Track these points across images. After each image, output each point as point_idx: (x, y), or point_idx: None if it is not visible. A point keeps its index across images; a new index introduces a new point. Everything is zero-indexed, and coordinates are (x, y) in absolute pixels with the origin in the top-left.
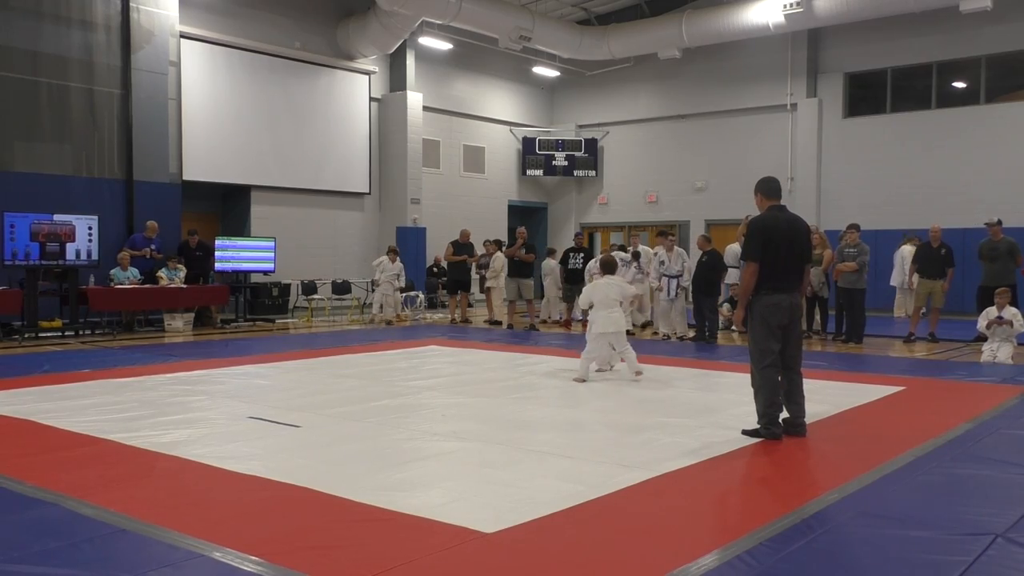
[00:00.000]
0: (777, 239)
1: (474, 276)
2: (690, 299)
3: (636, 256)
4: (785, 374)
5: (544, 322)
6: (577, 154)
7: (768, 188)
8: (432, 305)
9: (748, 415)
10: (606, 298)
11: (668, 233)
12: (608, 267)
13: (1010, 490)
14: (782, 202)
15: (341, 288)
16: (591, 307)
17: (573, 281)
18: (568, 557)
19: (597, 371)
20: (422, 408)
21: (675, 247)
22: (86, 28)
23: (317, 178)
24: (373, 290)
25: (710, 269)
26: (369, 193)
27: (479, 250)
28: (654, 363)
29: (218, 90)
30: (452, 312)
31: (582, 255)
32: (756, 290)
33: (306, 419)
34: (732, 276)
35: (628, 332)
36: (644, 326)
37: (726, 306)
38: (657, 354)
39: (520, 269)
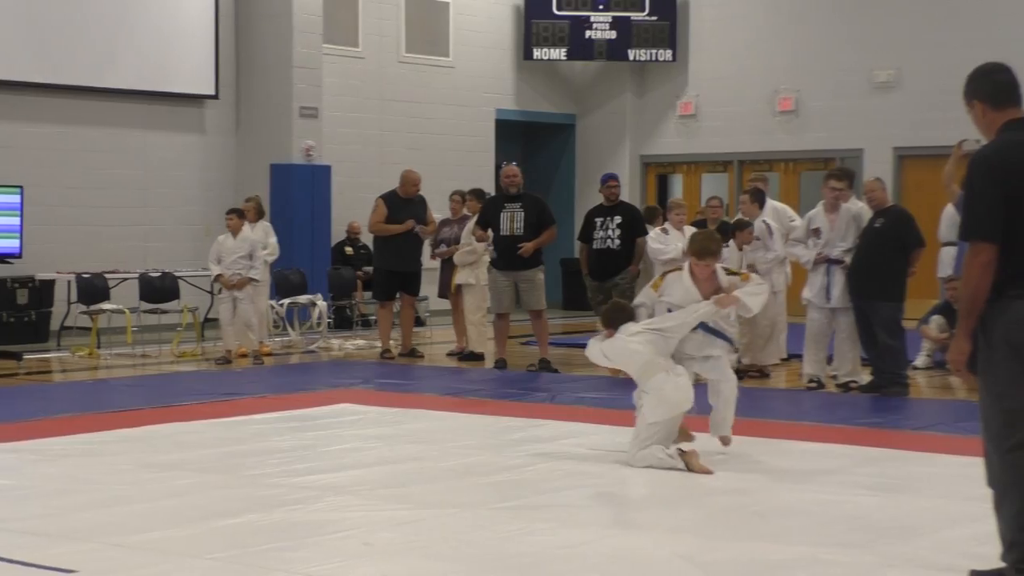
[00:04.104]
0: None
1: (429, 264)
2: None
3: (729, 229)
4: None
5: (461, 355)
6: (637, 17)
7: (995, 88)
8: (343, 322)
9: (982, 541)
10: (664, 351)
11: (847, 173)
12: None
13: None
14: None
15: (159, 290)
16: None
17: (605, 275)
18: None
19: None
20: (324, 531)
21: (844, 201)
22: None
23: (108, 68)
24: (218, 292)
25: (890, 247)
26: (216, 97)
27: (438, 211)
28: (785, 436)
29: None
30: (384, 335)
31: (618, 221)
32: (995, 293)
33: (89, 556)
34: (945, 261)
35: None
36: (759, 369)
37: (933, 323)
38: (795, 418)
39: (512, 252)
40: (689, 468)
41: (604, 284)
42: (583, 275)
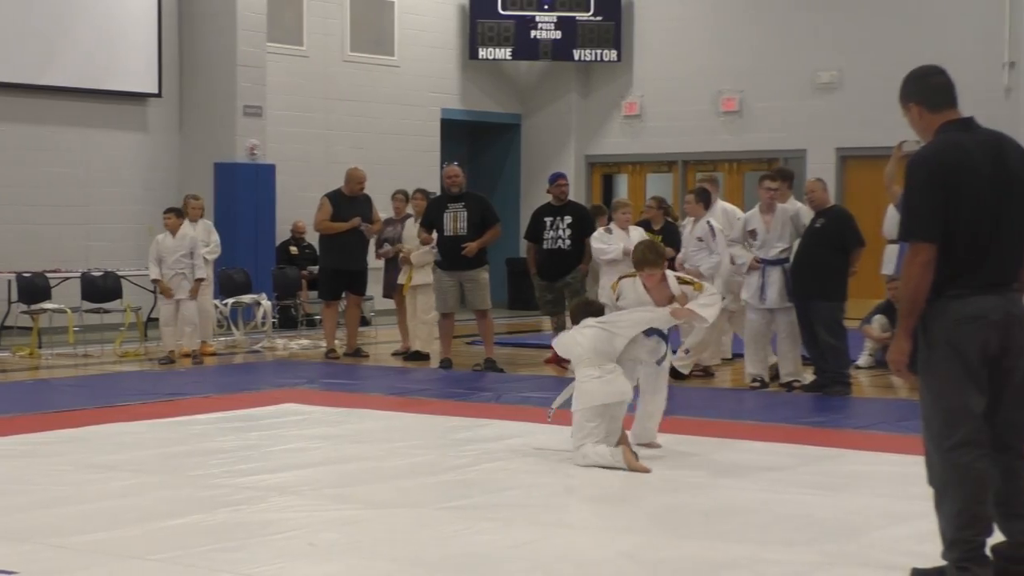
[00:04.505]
0: (968, 188)
1: (374, 264)
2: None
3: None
4: (997, 459)
5: (406, 355)
6: (582, 18)
7: (931, 90)
8: (288, 322)
9: (924, 539)
10: (602, 347)
11: (783, 173)
12: (587, 310)
13: None
14: (966, 113)
15: (102, 290)
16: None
17: (554, 275)
18: None
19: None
20: (268, 531)
21: (781, 202)
22: None
23: (50, 65)
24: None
25: (831, 246)
26: (159, 95)
27: (383, 210)
28: (729, 435)
29: None
30: (330, 335)
31: (568, 221)
32: (935, 293)
33: (30, 557)
34: (889, 258)
35: (678, 375)
36: (700, 369)
37: (875, 322)
38: (738, 417)
39: (456, 252)
40: (628, 467)
41: (554, 284)
42: (531, 275)
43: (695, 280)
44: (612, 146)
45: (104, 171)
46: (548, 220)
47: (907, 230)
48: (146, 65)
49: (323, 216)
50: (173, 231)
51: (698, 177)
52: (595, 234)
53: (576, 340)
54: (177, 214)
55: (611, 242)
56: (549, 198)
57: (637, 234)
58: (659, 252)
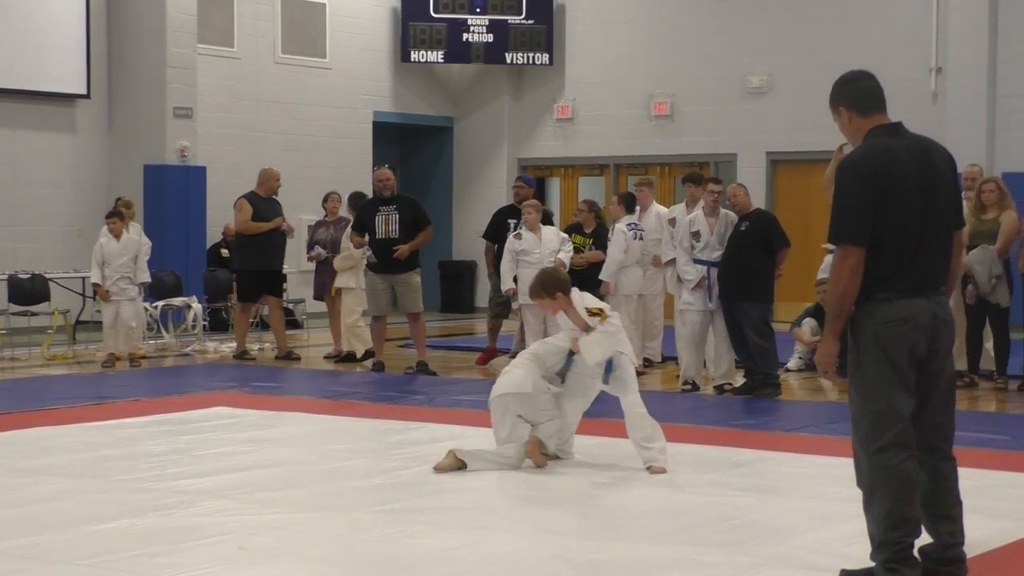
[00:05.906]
0: (897, 192)
1: (305, 266)
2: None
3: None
4: (925, 459)
5: (338, 358)
6: (514, 21)
7: (860, 94)
8: (219, 325)
9: (852, 541)
10: (541, 362)
11: (707, 178)
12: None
13: None
14: (893, 118)
15: (29, 292)
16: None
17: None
18: None
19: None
20: (198, 536)
21: (720, 207)
22: None
23: None
24: (94, 297)
25: (757, 248)
26: (88, 96)
27: (315, 213)
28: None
29: None
30: (241, 337)
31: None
32: (864, 296)
33: None
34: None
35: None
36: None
37: (805, 325)
38: (672, 419)
39: (388, 255)
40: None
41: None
42: (488, 275)
43: (602, 311)
44: (544, 149)
45: (32, 172)
46: (512, 222)
47: (835, 233)
48: (74, 66)
49: (245, 216)
50: (117, 236)
51: (631, 180)
52: (509, 241)
53: (547, 347)
54: (120, 218)
55: (522, 245)
56: (481, 200)
57: (550, 234)
58: (544, 283)
